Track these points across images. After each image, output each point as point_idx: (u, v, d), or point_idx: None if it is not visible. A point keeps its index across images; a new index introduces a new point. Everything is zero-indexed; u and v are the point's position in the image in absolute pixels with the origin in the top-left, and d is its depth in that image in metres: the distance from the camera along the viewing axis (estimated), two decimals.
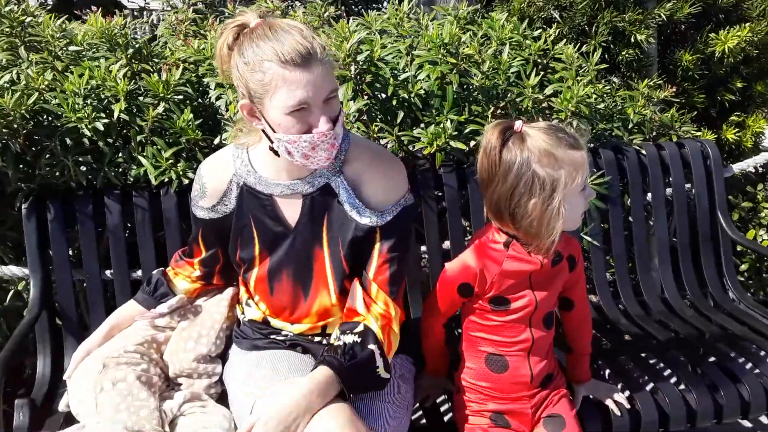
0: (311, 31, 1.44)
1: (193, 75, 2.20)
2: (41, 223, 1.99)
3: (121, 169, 2.06)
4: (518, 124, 1.53)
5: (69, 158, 1.99)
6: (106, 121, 1.99)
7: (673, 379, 1.85)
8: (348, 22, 2.23)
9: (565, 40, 2.69)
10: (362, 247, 1.58)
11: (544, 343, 1.66)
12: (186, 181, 1.99)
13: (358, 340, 1.50)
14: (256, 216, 1.60)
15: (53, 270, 2.02)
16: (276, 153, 1.51)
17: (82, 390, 1.57)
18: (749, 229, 2.94)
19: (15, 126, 1.94)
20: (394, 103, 2.17)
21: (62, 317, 2.01)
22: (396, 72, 2.19)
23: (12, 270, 2.13)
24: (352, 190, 1.57)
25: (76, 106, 1.97)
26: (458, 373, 1.70)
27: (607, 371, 1.89)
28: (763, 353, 1.95)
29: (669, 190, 2.38)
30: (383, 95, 2.18)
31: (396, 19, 2.35)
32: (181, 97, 2.09)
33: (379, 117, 2.20)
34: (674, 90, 2.64)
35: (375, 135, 2.14)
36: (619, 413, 1.72)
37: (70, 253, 2.06)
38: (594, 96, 2.36)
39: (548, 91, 2.26)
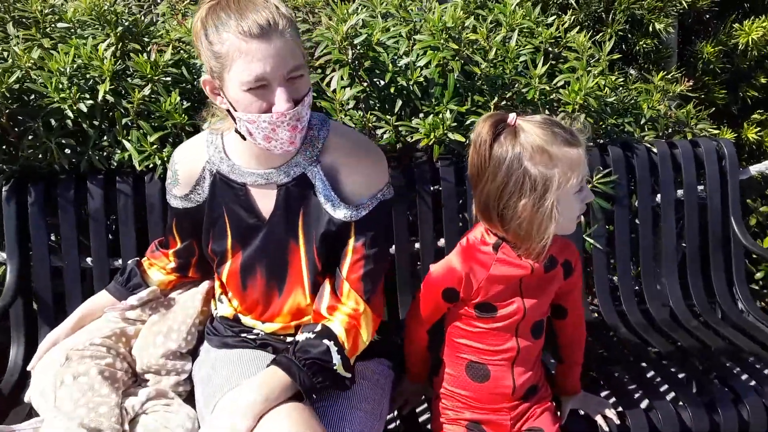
0: (281, 4, 1.35)
1: (187, 56, 2.12)
2: (21, 207, 1.95)
3: (105, 153, 2.00)
4: (512, 117, 1.42)
5: (52, 140, 1.93)
6: (90, 102, 1.93)
7: (670, 395, 1.76)
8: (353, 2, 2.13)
9: (579, 27, 2.56)
10: (335, 243, 1.50)
11: (530, 354, 1.57)
12: None
13: (312, 336, 1.44)
14: (230, 206, 1.53)
15: (32, 256, 1.97)
16: (243, 137, 1.43)
17: (45, 382, 1.52)
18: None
19: None
20: (392, 90, 2.08)
21: (38, 304, 1.97)
22: (396, 58, 2.10)
23: None
24: (329, 180, 1.49)
25: (61, 85, 1.91)
26: (437, 379, 1.62)
27: (600, 382, 1.80)
28: (767, 371, 1.84)
29: (680, 192, 2.25)
30: (381, 82, 2.09)
31: (399, 0, 2.24)
32: (169, 79, 2.01)
33: (377, 106, 2.11)
34: (691, 84, 2.51)
35: (371, 124, 2.05)
36: (607, 429, 1.63)
37: (52, 238, 2.01)
38: (606, 88, 2.24)
39: (557, 81, 2.15)
